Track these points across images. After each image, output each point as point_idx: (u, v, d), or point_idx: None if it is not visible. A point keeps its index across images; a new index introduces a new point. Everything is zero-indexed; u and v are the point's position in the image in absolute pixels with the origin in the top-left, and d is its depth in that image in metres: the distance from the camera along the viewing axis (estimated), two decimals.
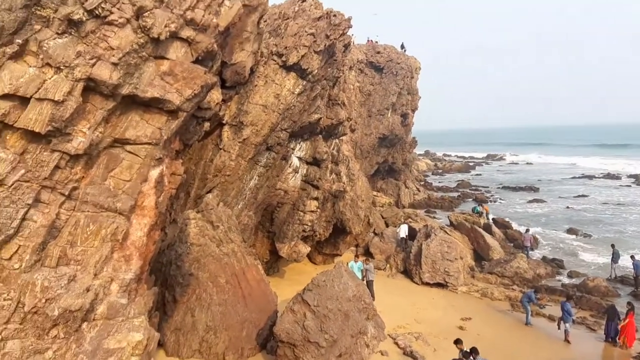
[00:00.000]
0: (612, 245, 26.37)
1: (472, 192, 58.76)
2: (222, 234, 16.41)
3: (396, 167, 59.14)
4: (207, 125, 11.93)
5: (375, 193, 50.05)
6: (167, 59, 9.05)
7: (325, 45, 18.66)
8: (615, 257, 25.42)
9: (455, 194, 57.75)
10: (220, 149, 18.66)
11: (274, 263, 22.41)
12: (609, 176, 72.30)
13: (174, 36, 8.98)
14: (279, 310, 15.36)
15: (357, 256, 21.63)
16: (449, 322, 19.25)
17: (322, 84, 19.76)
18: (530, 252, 29.02)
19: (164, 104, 9.04)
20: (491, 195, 56.99)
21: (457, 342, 13.50)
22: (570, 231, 36.29)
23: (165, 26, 8.66)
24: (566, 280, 25.78)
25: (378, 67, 52.18)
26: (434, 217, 43.85)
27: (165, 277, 14.97)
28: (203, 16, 9.22)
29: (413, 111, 59.04)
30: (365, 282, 19.54)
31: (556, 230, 37.55)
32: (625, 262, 25.91)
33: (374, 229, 30.68)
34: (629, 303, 18.53)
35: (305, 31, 18.57)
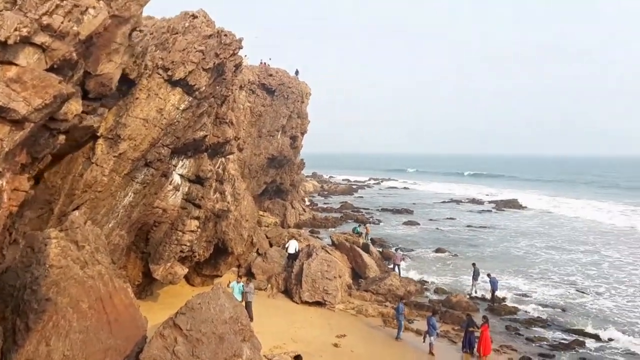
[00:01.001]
0: (473, 264, 29.18)
1: (354, 213, 61.34)
2: (87, 255, 15.17)
3: (284, 188, 59.91)
4: (62, 137, 11.00)
5: (261, 213, 50.07)
6: (16, 64, 8.27)
7: (214, 63, 18.49)
8: (475, 275, 28.12)
9: (338, 215, 59.90)
10: (93, 163, 17.40)
11: (146, 286, 21.25)
12: (474, 201, 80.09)
13: (26, 41, 8.26)
14: (148, 336, 14.55)
15: (239, 277, 21.35)
16: (324, 340, 19.74)
17: (209, 101, 19.47)
18: (401, 270, 31.02)
19: (8, 112, 8.21)
20: (370, 217, 59.99)
21: (297, 358, 14.00)
22: (438, 250, 39.46)
23: (16, 30, 7.94)
24: (433, 297, 27.89)
25: (270, 90, 52.93)
26: (317, 237, 45.00)
27: (18, 303, 13.44)
28: (62, 23, 8.62)
29: (302, 134, 60.71)
30: (244, 303, 19.41)
31: (426, 250, 40.60)
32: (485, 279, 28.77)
33: (257, 249, 30.60)
34: (484, 317, 20.54)
35: (195, 47, 18.25)
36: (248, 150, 51.50)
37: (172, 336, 13.13)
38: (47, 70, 8.60)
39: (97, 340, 13.98)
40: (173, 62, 17.68)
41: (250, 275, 27.99)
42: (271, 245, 32.39)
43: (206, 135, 19.40)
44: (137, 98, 17.54)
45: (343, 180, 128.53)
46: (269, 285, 26.69)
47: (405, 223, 56.03)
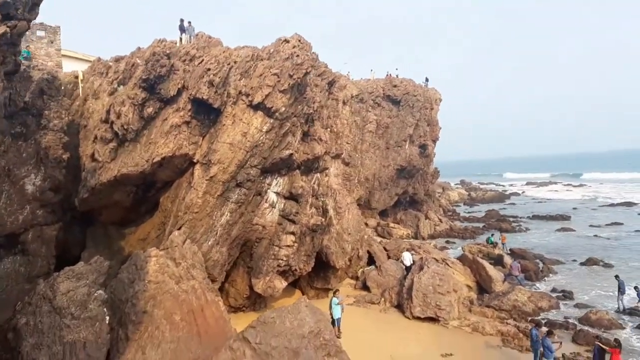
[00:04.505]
0: (616, 277, 24.73)
1: (498, 222, 56.70)
2: (183, 270, 16.74)
3: (418, 198, 58.46)
4: None
5: (392, 225, 49.52)
6: None
7: (289, 84, 19.09)
8: (621, 288, 23.81)
9: (480, 224, 56.06)
10: (192, 187, 19.25)
11: (257, 298, 22.43)
12: None
13: None
14: None
15: (336, 291, 21.39)
16: (427, 359, 18.57)
17: (292, 121, 20.11)
18: (525, 282, 27.94)
19: None
20: (518, 225, 54.85)
21: None
22: (589, 261, 34.28)
23: None
24: (571, 312, 24.30)
25: (395, 100, 52.70)
26: (451, 248, 42.72)
27: (122, 315, 15.39)
28: None
29: (434, 142, 58.79)
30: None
31: (575, 260, 35.62)
32: None
33: (375, 262, 30.26)
34: (615, 340, 17.22)
35: (270, 71, 19.13)
36: (377, 163, 51.61)
37: (241, 349, 13.66)
38: None
39: (187, 350, 15.25)
40: (252, 87, 18.74)
41: (365, 288, 27.83)
42: (389, 258, 31.67)
43: (292, 154, 19.99)
44: (224, 125, 19.00)
45: (497, 185, 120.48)
46: (382, 299, 26.07)
47: (558, 230, 50.08)
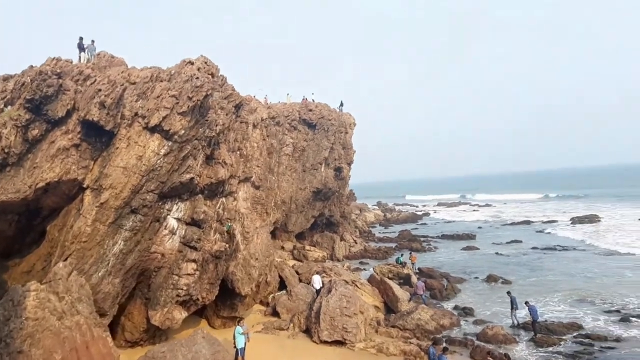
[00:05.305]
0: (508, 293, 26.38)
1: (409, 242, 58.79)
2: (67, 305, 15.43)
3: (334, 220, 59.19)
4: None
5: (308, 247, 49.58)
6: None
7: (188, 106, 18.61)
8: (513, 304, 25.36)
9: (393, 245, 57.79)
10: (81, 214, 17.97)
11: (157, 331, 21.18)
12: (548, 222, 73.86)
13: None
14: None
15: (239, 320, 20.74)
16: None
17: (193, 143, 19.55)
18: (429, 301, 28.99)
19: None
20: (428, 245, 57.22)
21: None
22: (489, 278, 36.34)
23: None
24: (471, 329, 25.41)
25: (311, 124, 53.40)
26: (364, 269, 43.48)
27: None
28: None
29: (349, 164, 60.07)
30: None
31: (476, 278, 37.61)
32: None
33: (286, 287, 29.92)
34: (505, 354, 18.23)
35: (168, 93, 18.57)
36: (294, 186, 51.77)
37: None
38: None
39: None
40: (149, 109, 18.04)
41: (275, 314, 27.36)
42: (301, 282, 31.53)
43: (193, 178, 19.37)
44: (117, 148, 18.03)
45: (411, 206, 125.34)
46: (291, 325, 25.72)
47: (464, 249, 52.79)
